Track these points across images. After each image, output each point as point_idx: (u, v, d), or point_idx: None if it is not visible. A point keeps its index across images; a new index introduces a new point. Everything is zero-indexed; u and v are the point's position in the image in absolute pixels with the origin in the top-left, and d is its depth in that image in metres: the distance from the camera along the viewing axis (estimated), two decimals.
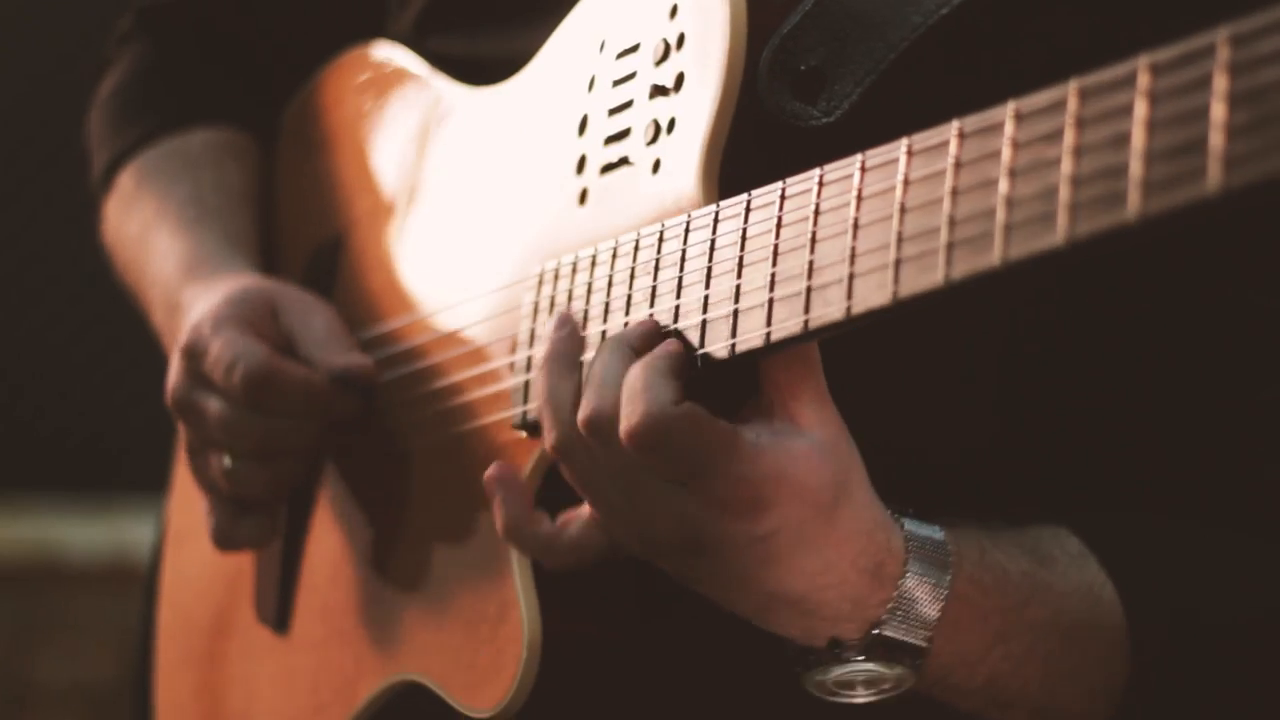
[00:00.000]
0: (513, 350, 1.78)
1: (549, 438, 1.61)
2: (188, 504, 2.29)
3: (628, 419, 1.52)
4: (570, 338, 1.64)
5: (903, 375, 1.68)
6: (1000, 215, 1.32)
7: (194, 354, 1.95)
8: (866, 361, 1.59)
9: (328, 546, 2.03)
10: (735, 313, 1.52)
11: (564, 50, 1.84)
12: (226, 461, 1.94)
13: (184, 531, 2.29)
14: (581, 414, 1.56)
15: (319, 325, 1.95)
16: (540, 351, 1.66)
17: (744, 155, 1.64)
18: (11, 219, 4.84)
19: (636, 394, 1.52)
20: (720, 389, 1.56)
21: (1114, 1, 1.70)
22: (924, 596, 1.56)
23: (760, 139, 1.65)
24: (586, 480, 1.60)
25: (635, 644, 1.78)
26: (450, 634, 1.81)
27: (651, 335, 1.59)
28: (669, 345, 1.55)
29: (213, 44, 2.35)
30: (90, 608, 4.82)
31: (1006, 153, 1.33)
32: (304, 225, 2.21)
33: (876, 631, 1.56)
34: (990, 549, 1.61)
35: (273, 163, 2.28)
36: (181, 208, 2.17)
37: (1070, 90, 1.30)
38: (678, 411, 1.50)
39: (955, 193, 1.36)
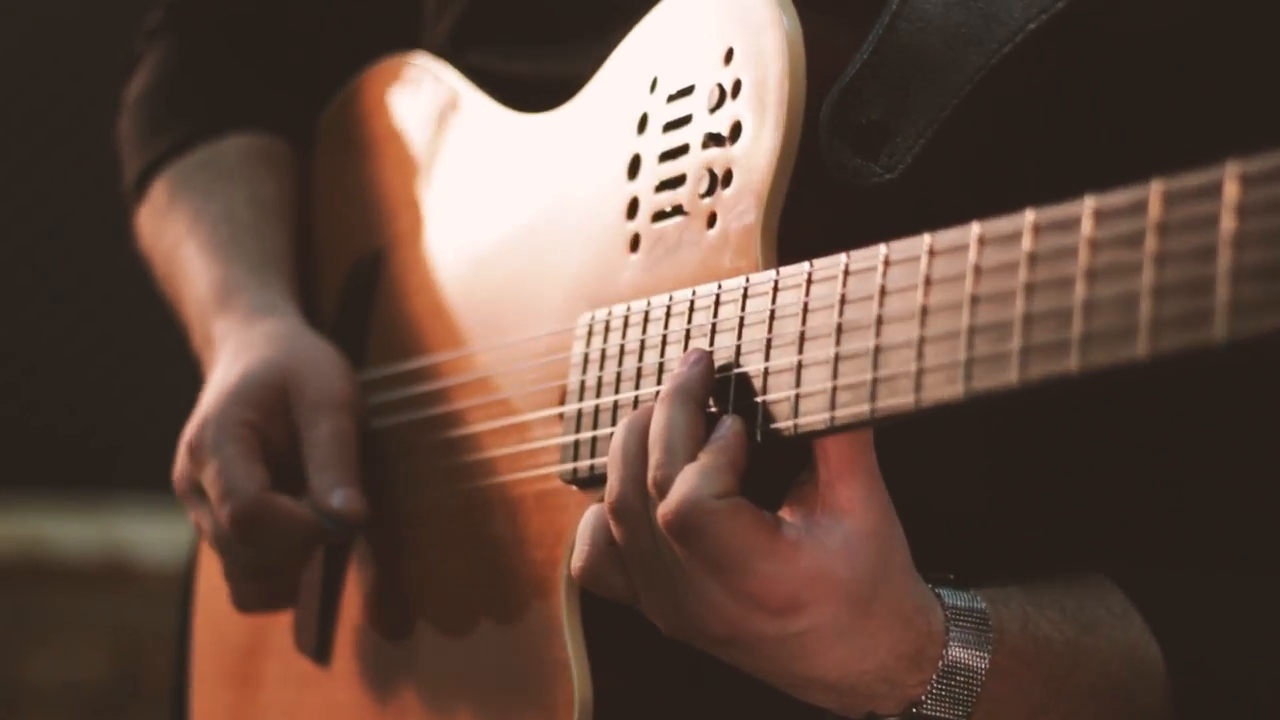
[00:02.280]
0: (561, 400, 1.76)
1: (613, 489, 1.57)
2: None
3: (667, 503, 1.51)
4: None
5: (941, 431, 1.65)
6: (1078, 322, 1.28)
7: (194, 458, 1.96)
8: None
9: (367, 581, 2.01)
10: (797, 396, 1.49)
11: (614, 84, 1.80)
12: (226, 564, 1.98)
13: None
14: (651, 474, 1.54)
15: (324, 437, 1.95)
16: (602, 399, 1.65)
17: (802, 213, 1.61)
18: (2, 216, 4.83)
19: (689, 477, 1.50)
20: (773, 460, 1.54)
21: (1182, 34, 1.66)
22: (964, 674, 1.55)
23: (820, 196, 1.61)
24: (633, 546, 1.57)
25: (683, 704, 1.76)
26: (498, 694, 1.80)
27: (711, 383, 1.56)
28: (734, 430, 1.52)
29: (244, 42, 2.32)
30: (82, 606, 4.83)
31: (1084, 254, 1.29)
32: (343, 236, 2.18)
33: (915, 710, 1.55)
34: (1033, 617, 1.60)
35: (310, 168, 2.25)
36: (214, 226, 2.15)
37: (1152, 193, 1.26)
38: (718, 506, 1.49)
39: (1030, 288, 1.33)
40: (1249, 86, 1.66)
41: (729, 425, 1.53)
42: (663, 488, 1.52)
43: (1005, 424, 1.68)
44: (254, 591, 2.00)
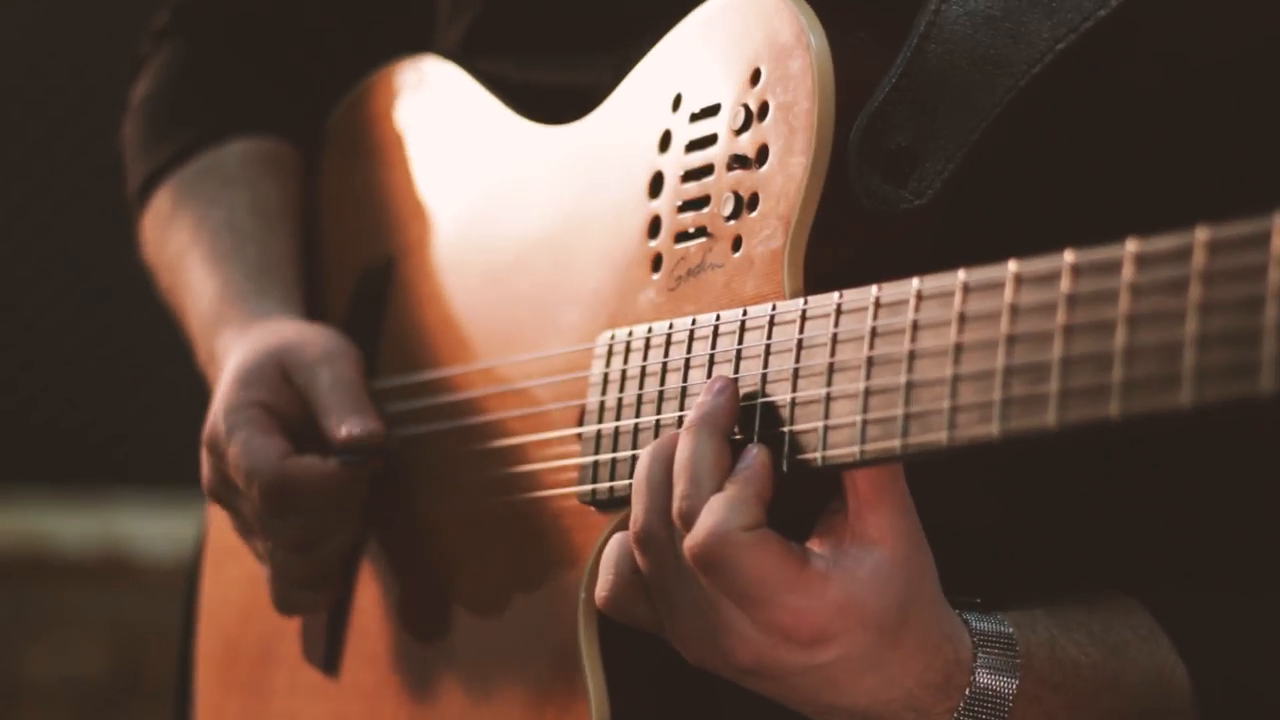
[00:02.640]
0: (579, 420, 1.74)
1: (638, 519, 1.57)
2: (227, 519, 2.26)
3: (694, 535, 1.50)
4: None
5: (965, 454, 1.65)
6: (1119, 369, 1.27)
7: (214, 453, 1.95)
8: None
9: (377, 592, 1.99)
10: (826, 428, 1.47)
11: (636, 99, 1.78)
12: (271, 548, 1.95)
13: (224, 549, 2.25)
14: (676, 505, 1.53)
15: (324, 383, 1.93)
16: (622, 421, 1.63)
17: (830, 239, 1.59)
18: (1, 210, 4.80)
19: (715, 509, 1.49)
20: (801, 488, 1.52)
21: (1208, 48, 1.65)
22: (991, 701, 1.55)
23: (847, 222, 1.59)
24: (658, 576, 1.56)
25: None
26: (513, 713, 1.78)
27: (736, 412, 1.55)
28: (761, 461, 1.51)
29: (250, 45, 2.29)
30: (81, 601, 4.79)
31: (1125, 299, 1.28)
32: (352, 242, 2.16)
33: None
34: (1060, 641, 1.59)
35: (317, 172, 2.23)
36: (215, 236, 2.13)
37: (1197, 241, 1.25)
38: (745, 539, 1.48)
39: (1068, 331, 1.31)
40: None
41: (755, 455, 1.52)
42: (688, 519, 1.51)
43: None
44: (301, 576, 1.95)
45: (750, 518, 1.49)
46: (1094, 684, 1.60)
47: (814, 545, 1.51)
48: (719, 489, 1.51)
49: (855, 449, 1.45)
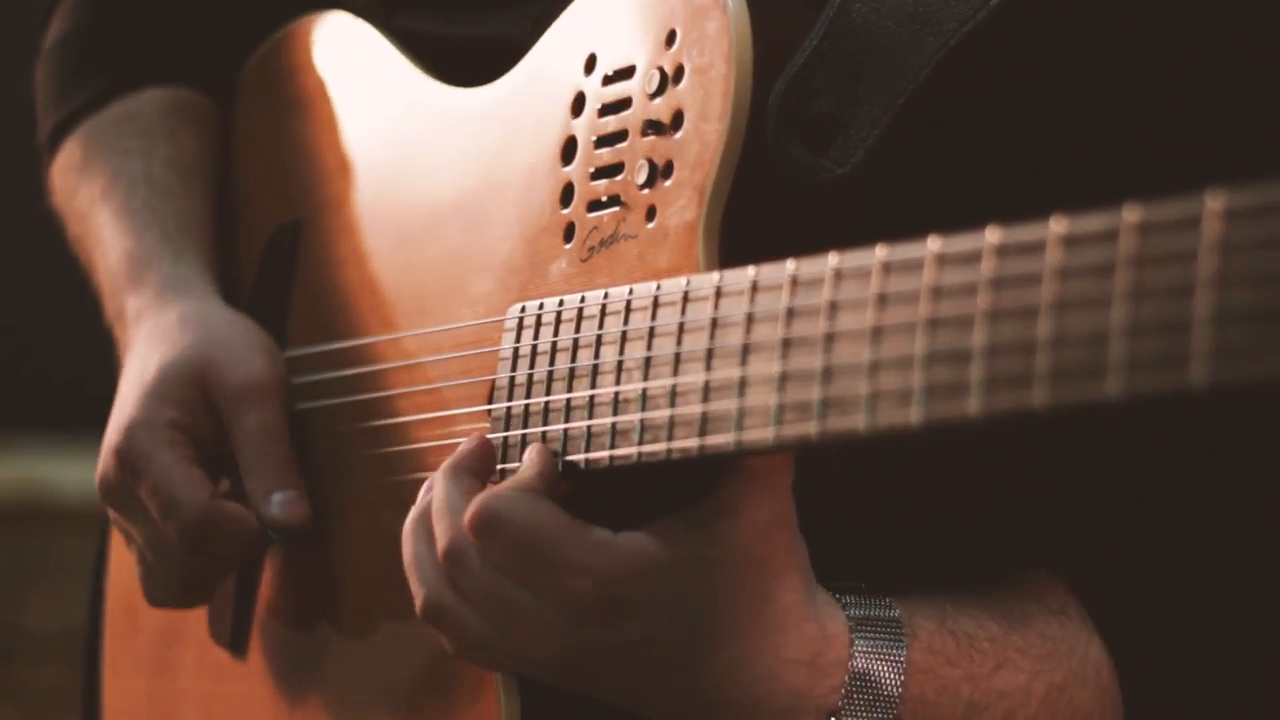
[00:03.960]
0: (489, 397, 1.67)
1: (417, 588, 1.56)
2: None
3: (467, 510, 1.50)
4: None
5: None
6: (1044, 357, 1.21)
7: (125, 467, 1.88)
8: None
9: (284, 572, 1.93)
10: (740, 412, 1.41)
11: (550, 60, 1.70)
12: (156, 563, 1.91)
13: None
14: (440, 545, 1.53)
15: (250, 433, 1.86)
16: (533, 399, 1.59)
17: (747, 210, 1.52)
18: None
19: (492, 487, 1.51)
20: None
21: (1150, 13, 1.58)
22: (880, 675, 1.50)
23: (766, 193, 1.53)
24: (461, 633, 1.53)
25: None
26: (418, 699, 1.73)
27: (490, 457, 1.58)
28: (537, 449, 1.54)
29: None
30: (82, 549, 4.65)
31: (1050, 283, 1.21)
32: (262, 202, 2.08)
33: (834, 719, 1.49)
34: (953, 614, 1.54)
35: (230, 126, 2.15)
36: (130, 188, 2.05)
37: (1125, 223, 1.18)
38: (516, 495, 1.48)
39: (992, 316, 1.25)
40: (1231, 81, 1.58)
41: (532, 448, 1.54)
42: (453, 549, 1.52)
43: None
44: (174, 593, 1.93)
45: (524, 483, 1.49)
46: (994, 656, 1.54)
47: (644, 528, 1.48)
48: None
49: (770, 433, 1.38)
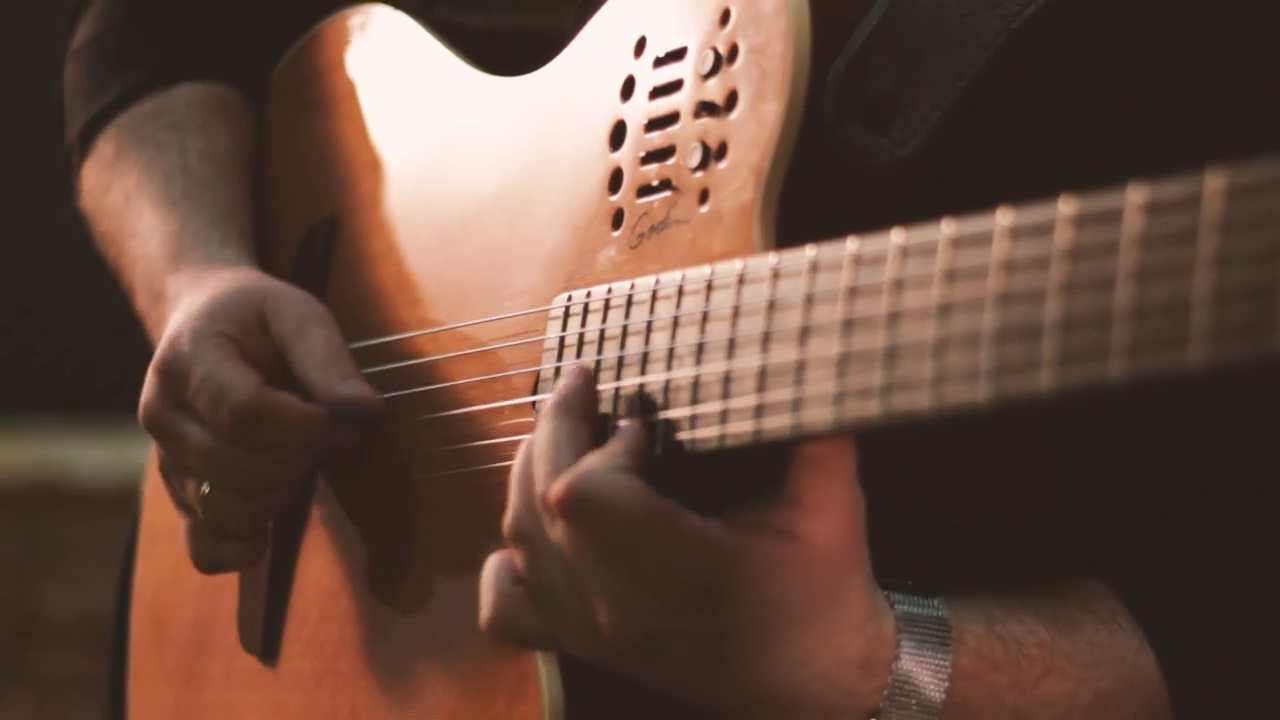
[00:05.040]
0: (534, 388, 1.64)
1: (508, 518, 1.50)
2: (164, 498, 2.16)
3: (556, 484, 1.43)
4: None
5: (933, 440, 1.56)
6: (1123, 328, 1.17)
7: (172, 374, 1.80)
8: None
9: (319, 574, 1.89)
10: (799, 394, 1.37)
11: (597, 45, 1.68)
12: (205, 489, 1.81)
13: (159, 528, 2.16)
14: (539, 487, 1.46)
15: (318, 342, 1.80)
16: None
17: (804, 192, 1.49)
18: (8, 139, 4.64)
19: (580, 463, 1.44)
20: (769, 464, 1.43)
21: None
22: (924, 679, 1.46)
23: (824, 174, 1.50)
24: (533, 570, 1.48)
25: (655, 707, 1.66)
26: (459, 701, 1.69)
27: (594, 395, 1.51)
28: (633, 428, 1.46)
29: None
30: (98, 533, 4.47)
31: (1130, 253, 1.18)
32: (297, 199, 2.05)
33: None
34: (1001, 618, 1.51)
35: (263, 125, 2.12)
36: (166, 180, 2.02)
37: (1209, 188, 1.15)
38: (608, 477, 1.42)
39: (1067, 288, 1.21)
40: None
41: (628, 425, 1.47)
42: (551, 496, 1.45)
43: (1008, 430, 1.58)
44: (234, 523, 1.82)
45: (619, 462, 1.43)
46: (1041, 662, 1.51)
47: (724, 516, 1.43)
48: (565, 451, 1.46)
49: (831, 417, 1.35)
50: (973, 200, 1.35)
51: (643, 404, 1.48)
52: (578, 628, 1.46)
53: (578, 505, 1.42)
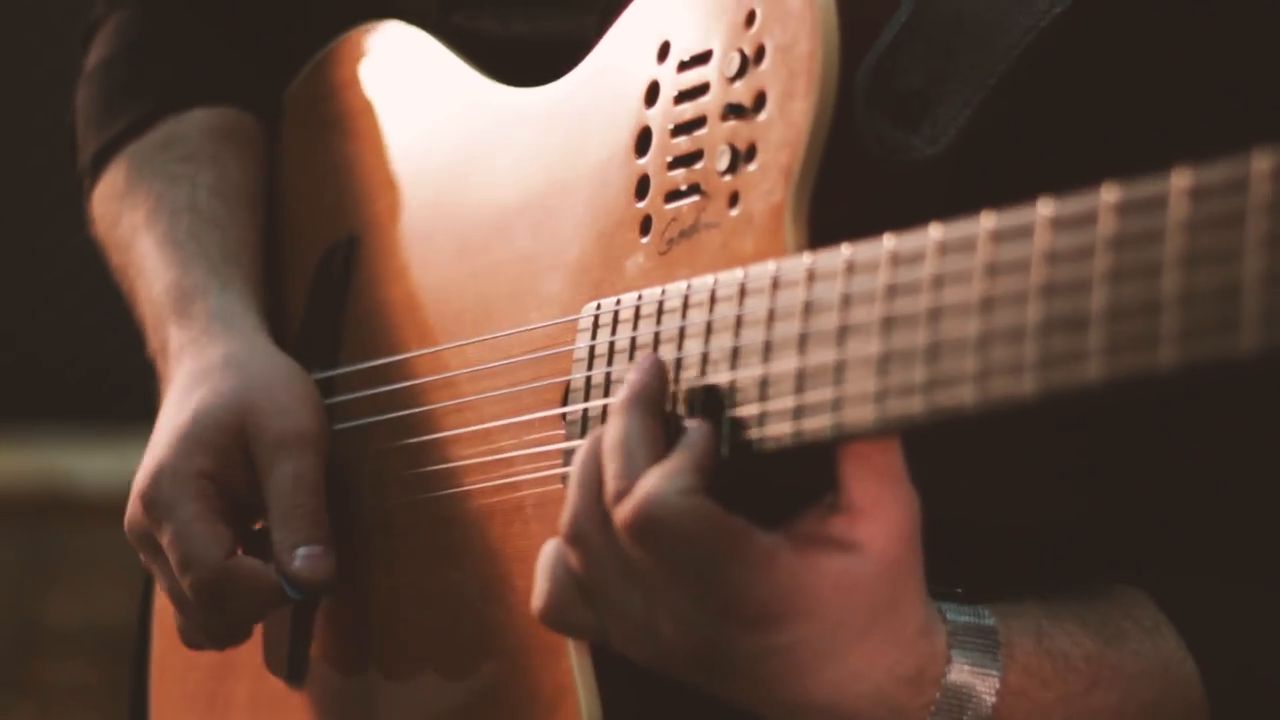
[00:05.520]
0: (563, 399, 1.63)
1: (568, 515, 1.48)
2: None
3: (625, 504, 1.41)
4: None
5: (974, 442, 1.55)
6: (1172, 315, 1.16)
7: (151, 513, 1.83)
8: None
9: (345, 594, 1.88)
10: (839, 400, 1.36)
11: (618, 52, 1.67)
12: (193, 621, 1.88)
13: None
14: (610, 485, 1.44)
15: (285, 483, 1.81)
16: (611, 399, 1.53)
17: (836, 191, 1.48)
18: (16, 152, 4.60)
19: (650, 476, 1.41)
20: (807, 469, 1.42)
21: None
22: (972, 696, 1.46)
23: (855, 173, 1.49)
24: (592, 571, 1.46)
25: None
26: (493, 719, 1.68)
27: (667, 389, 1.48)
28: (701, 433, 1.43)
29: (209, 9, 2.17)
30: (102, 542, 4.40)
31: (1176, 240, 1.17)
32: (313, 220, 2.04)
33: None
34: (1050, 631, 1.50)
35: (277, 145, 2.11)
36: (174, 219, 2.00)
37: (1256, 170, 1.14)
38: (680, 502, 1.39)
39: (1113, 277, 1.20)
40: None
41: (696, 428, 1.43)
42: (620, 496, 1.43)
43: (1044, 433, 1.57)
44: (200, 642, 1.90)
45: (687, 482, 1.40)
46: (1088, 676, 1.51)
47: (785, 528, 1.41)
48: (652, 464, 1.43)
49: (873, 416, 1.34)
50: (1004, 196, 1.34)
51: (706, 403, 1.46)
52: (636, 632, 1.45)
53: (647, 528, 1.40)
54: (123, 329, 2.03)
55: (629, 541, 1.42)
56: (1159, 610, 1.56)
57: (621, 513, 1.41)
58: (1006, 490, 1.59)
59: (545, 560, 1.49)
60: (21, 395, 4.71)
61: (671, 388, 1.49)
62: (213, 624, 1.85)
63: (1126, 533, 1.61)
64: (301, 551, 1.79)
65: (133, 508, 1.86)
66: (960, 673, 1.45)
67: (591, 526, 1.46)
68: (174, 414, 1.87)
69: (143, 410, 1.87)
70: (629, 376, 1.48)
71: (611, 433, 1.45)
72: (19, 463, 4.65)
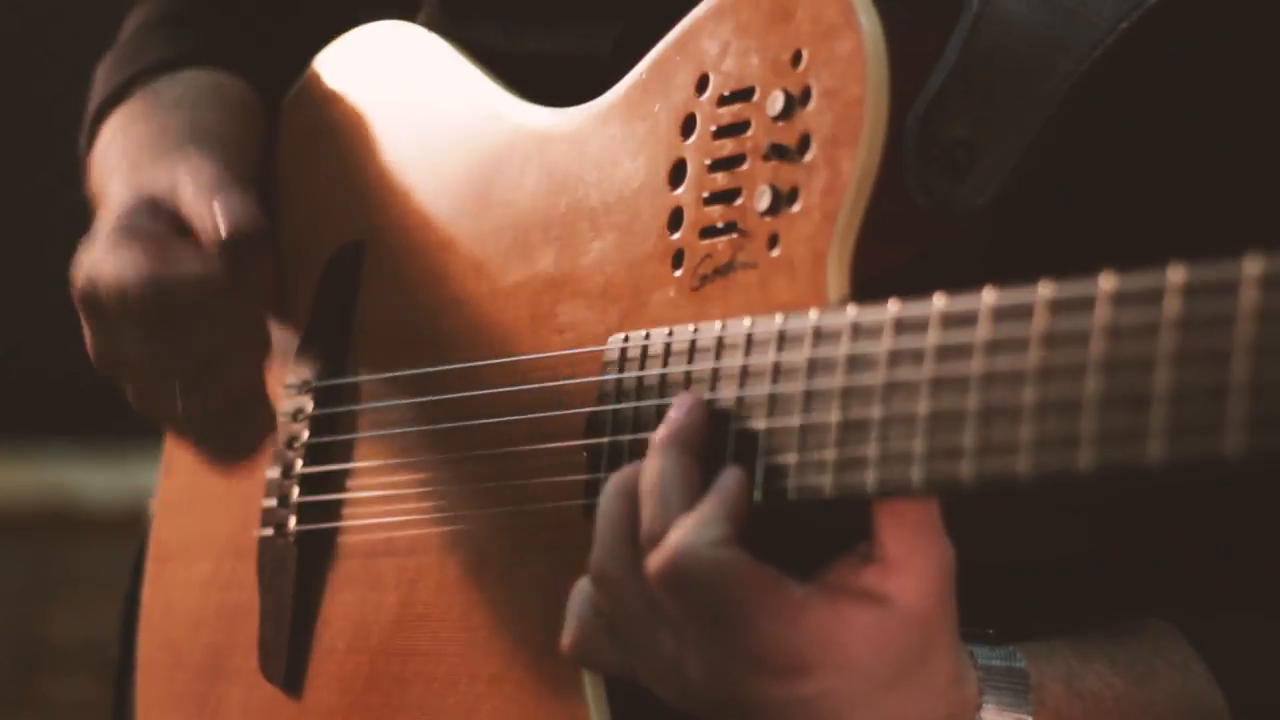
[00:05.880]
0: (585, 430, 1.61)
1: (596, 555, 1.47)
2: (175, 515, 2.12)
3: (658, 553, 1.41)
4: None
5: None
6: (1239, 402, 1.16)
7: (90, 300, 1.80)
8: None
9: (348, 605, 1.85)
10: (884, 457, 1.35)
11: (653, 80, 1.64)
12: (180, 405, 1.81)
13: (170, 548, 2.12)
14: (645, 527, 1.44)
15: (187, 188, 1.79)
16: (638, 435, 1.53)
17: (880, 241, 1.47)
18: (20, 160, 4.53)
19: (683, 525, 1.41)
20: (844, 523, 1.41)
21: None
22: None
23: (899, 222, 1.47)
24: (619, 613, 1.46)
25: None
26: None
27: (707, 430, 1.46)
28: (736, 479, 1.42)
29: (239, 6, 2.15)
30: (105, 558, 4.33)
31: (1246, 325, 1.16)
32: (316, 227, 1.99)
33: None
34: (1079, 672, 1.50)
35: (275, 150, 2.07)
36: (140, 149, 1.98)
37: None
38: (712, 554, 1.39)
39: (1179, 359, 1.20)
40: None
41: (730, 474, 1.43)
42: (654, 540, 1.42)
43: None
44: (222, 406, 1.83)
45: (719, 533, 1.39)
46: (1118, 716, 1.51)
47: (817, 579, 1.41)
48: (688, 509, 1.42)
49: (919, 476, 1.33)
50: (1046, 248, 1.34)
51: (741, 447, 1.45)
52: (664, 672, 1.44)
53: (677, 579, 1.40)
54: None
55: (660, 590, 1.41)
56: (1189, 645, 1.57)
57: (654, 562, 1.41)
58: (1017, 527, 1.59)
59: (574, 599, 1.49)
60: (25, 411, 4.64)
61: (708, 429, 1.48)
62: (181, 355, 1.79)
63: (1148, 567, 1.61)
64: (220, 208, 1.79)
65: (85, 326, 1.84)
66: (992, 717, 1.45)
67: (620, 567, 1.45)
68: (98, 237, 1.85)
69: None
70: (670, 414, 1.46)
71: (649, 473, 1.45)
72: (23, 478, 4.58)
